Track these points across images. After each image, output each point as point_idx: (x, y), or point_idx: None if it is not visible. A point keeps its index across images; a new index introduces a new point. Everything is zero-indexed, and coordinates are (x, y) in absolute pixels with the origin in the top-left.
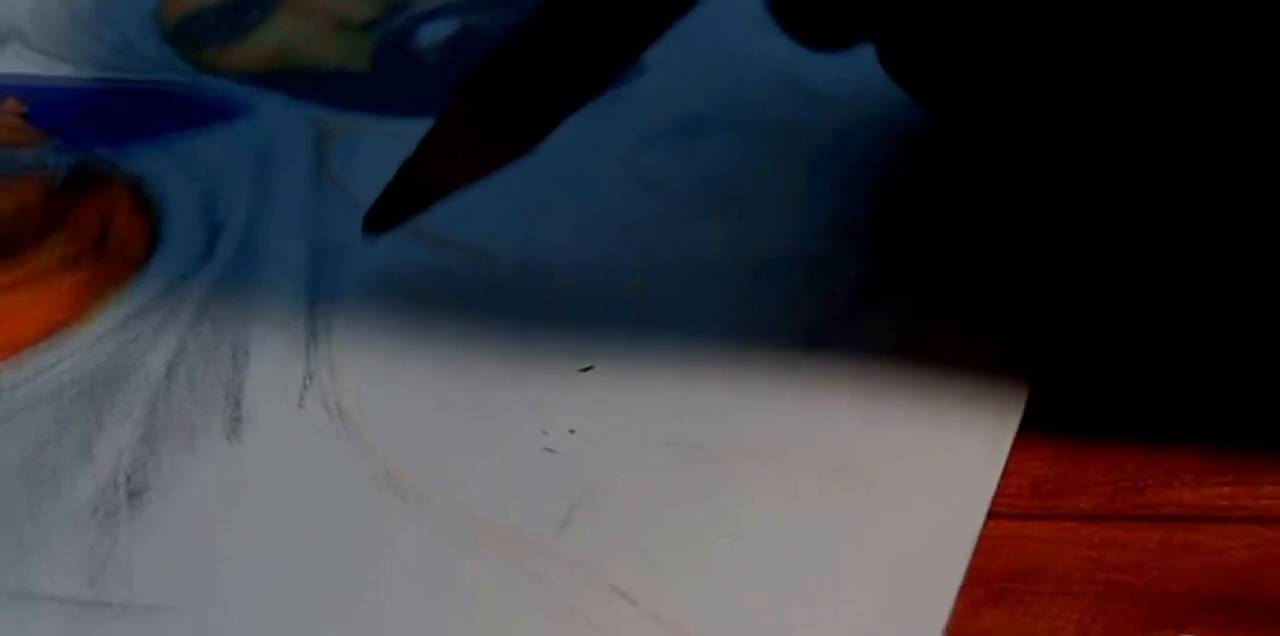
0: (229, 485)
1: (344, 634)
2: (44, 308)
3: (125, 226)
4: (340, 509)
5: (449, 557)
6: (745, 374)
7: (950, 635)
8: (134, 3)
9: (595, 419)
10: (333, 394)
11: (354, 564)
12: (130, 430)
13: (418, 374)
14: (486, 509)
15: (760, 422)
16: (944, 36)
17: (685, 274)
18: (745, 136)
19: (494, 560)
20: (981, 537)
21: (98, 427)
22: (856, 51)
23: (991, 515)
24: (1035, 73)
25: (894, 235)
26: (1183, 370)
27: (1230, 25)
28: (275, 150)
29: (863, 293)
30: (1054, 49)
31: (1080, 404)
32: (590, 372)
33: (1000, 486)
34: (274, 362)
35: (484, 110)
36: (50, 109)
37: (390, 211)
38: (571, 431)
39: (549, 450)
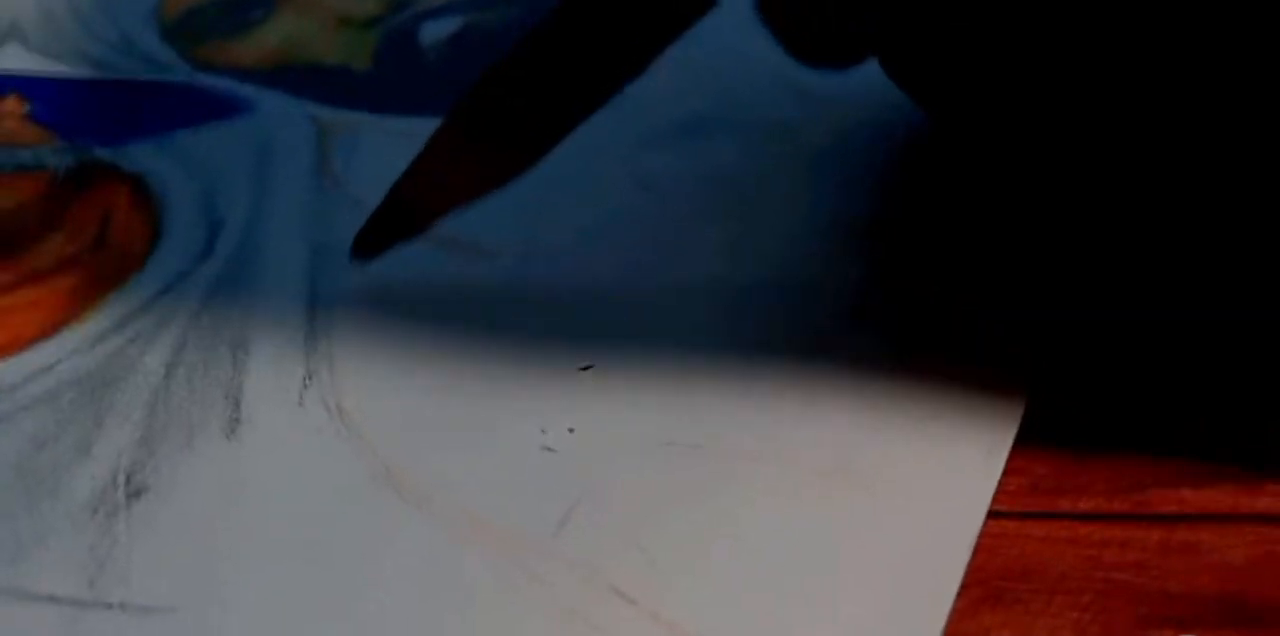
0: (228, 485)
1: (343, 633)
2: (43, 307)
3: (125, 224)
4: (340, 508)
5: (448, 557)
6: (746, 374)
7: (950, 634)
8: (135, 0)
9: (595, 418)
10: (332, 393)
11: (353, 563)
12: (130, 430)
13: (417, 373)
14: (486, 508)
15: (761, 423)
16: (944, 38)
17: (686, 274)
18: (747, 138)
19: (493, 559)
20: (981, 537)
21: (97, 427)
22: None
23: (991, 514)
24: (1035, 74)
25: (895, 237)
26: (1183, 370)
27: (1230, 26)
28: (276, 148)
29: (864, 294)
30: (1054, 50)
31: (1080, 403)
32: (590, 372)
33: (1000, 485)
34: (274, 362)
35: (478, 132)
36: (51, 106)
37: (379, 236)
38: (571, 430)
39: (548, 449)
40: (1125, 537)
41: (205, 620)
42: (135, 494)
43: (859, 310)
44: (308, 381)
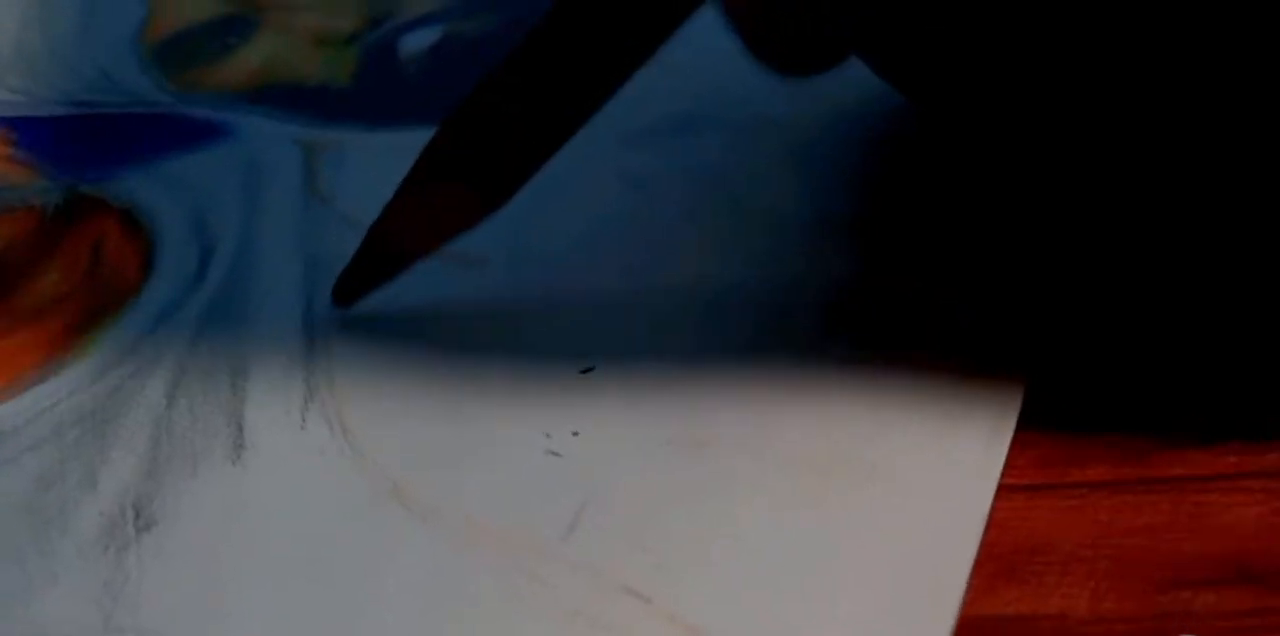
0: (236, 510)
1: None
2: (42, 346)
3: (116, 256)
4: (348, 526)
5: (458, 568)
6: (744, 371)
7: (966, 613)
8: (114, 30)
9: (598, 420)
10: (334, 411)
11: (363, 580)
12: (135, 463)
13: (418, 385)
14: (494, 516)
15: (762, 418)
16: (928, 31)
17: (679, 273)
18: (734, 135)
19: (504, 567)
20: (991, 513)
21: (103, 463)
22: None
23: (1000, 490)
24: (1025, 66)
25: (885, 232)
26: (1182, 333)
27: (1221, 25)
28: (263, 169)
29: (859, 286)
30: (1044, 42)
31: (1082, 374)
32: (591, 374)
33: (1006, 461)
34: (274, 384)
35: (453, 168)
36: (36, 141)
37: (359, 282)
38: (575, 433)
39: (553, 453)
40: (1135, 504)
41: None
42: (145, 526)
43: (856, 302)
44: (309, 401)
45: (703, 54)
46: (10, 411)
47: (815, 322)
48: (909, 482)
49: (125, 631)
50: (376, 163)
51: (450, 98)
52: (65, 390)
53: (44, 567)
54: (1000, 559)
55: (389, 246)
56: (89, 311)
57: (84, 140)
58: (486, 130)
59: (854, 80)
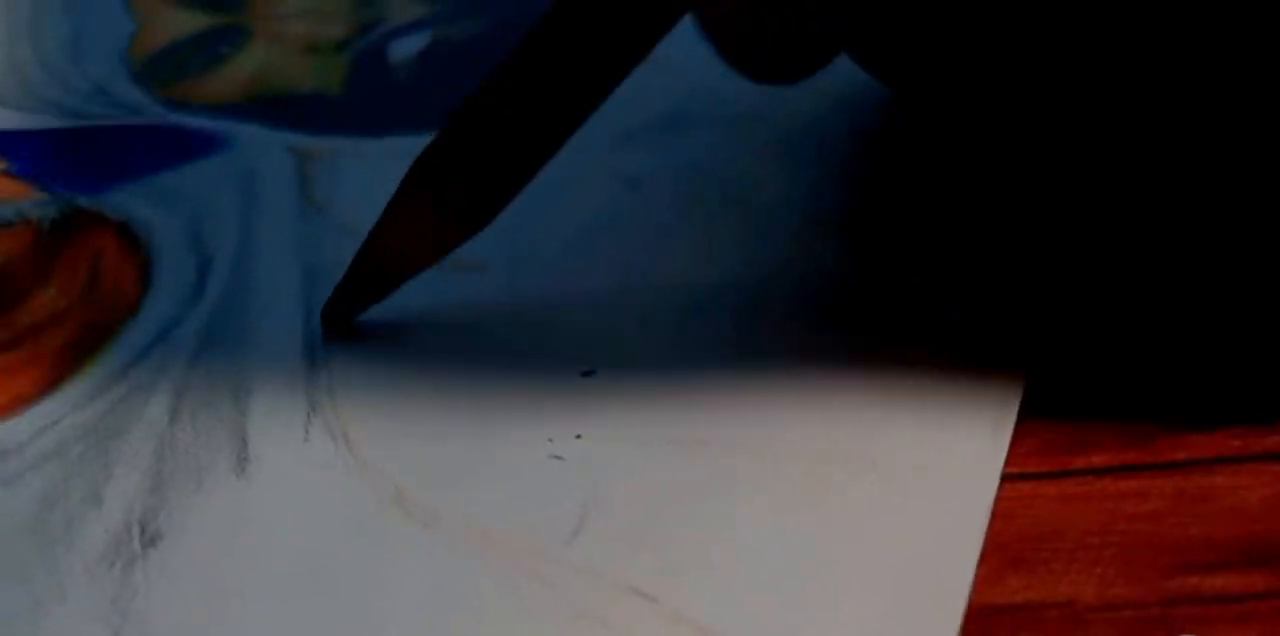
0: (241, 524)
1: None
2: (42, 363)
3: (114, 272)
4: (354, 537)
5: (462, 574)
6: (745, 369)
7: (974, 604)
8: (103, 45)
9: (601, 423)
10: (337, 422)
11: (370, 592)
12: (139, 479)
13: (420, 394)
14: (499, 521)
15: (764, 417)
16: (917, 27)
17: (677, 272)
18: (726, 131)
19: (510, 572)
20: (996, 502)
21: (106, 479)
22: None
23: (1004, 479)
24: (1014, 58)
25: (878, 228)
26: (1184, 324)
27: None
28: (257, 180)
29: (854, 282)
30: (1033, 34)
31: (1084, 362)
32: (592, 377)
33: (1010, 449)
34: (276, 397)
35: (444, 182)
36: (28, 159)
37: (348, 307)
38: (578, 437)
39: (557, 457)
40: (1140, 489)
41: None
42: (151, 542)
43: (848, 301)
44: (311, 414)
45: (692, 51)
46: (11, 429)
47: (812, 320)
48: (912, 477)
49: None
50: (370, 170)
51: (441, 102)
52: (67, 407)
53: (51, 585)
54: (1006, 548)
55: (382, 264)
56: (88, 328)
57: (78, 154)
58: (478, 142)
59: (844, 76)
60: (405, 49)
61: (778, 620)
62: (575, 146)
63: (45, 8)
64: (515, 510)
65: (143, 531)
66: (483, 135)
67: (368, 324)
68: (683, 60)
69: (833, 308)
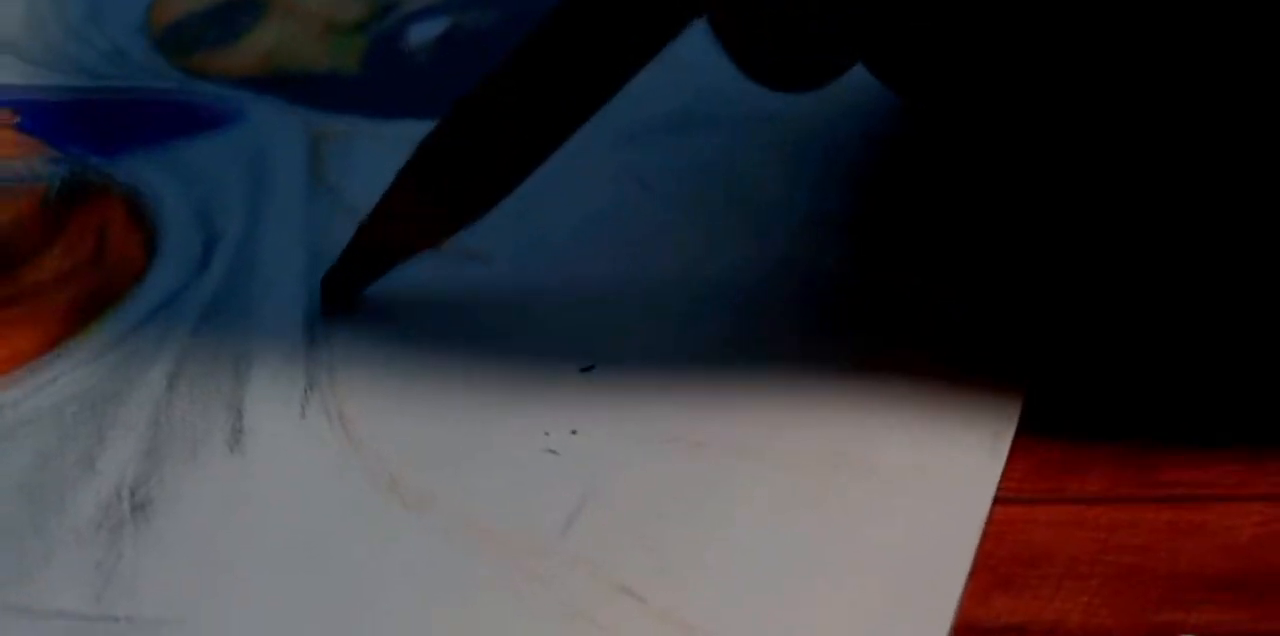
0: (232, 496)
1: None
2: (43, 323)
3: (121, 238)
4: (344, 516)
5: (454, 563)
6: (745, 369)
7: (960, 621)
8: (124, 11)
9: (597, 419)
10: (334, 401)
11: (358, 572)
12: (133, 444)
13: (418, 379)
14: (491, 512)
15: (762, 418)
16: (927, 33)
17: (682, 270)
18: (733, 131)
19: (500, 563)
20: (988, 523)
21: (100, 442)
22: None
23: (998, 501)
24: (1022, 64)
25: (887, 226)
26: (1185, 349)
27: (1220, 24)
28: (269, 156)
29: (860, 286)
30: (1040, 39)
31: (1083, 387)
32: (591, 373)
33: (1005, 472)
34: (275, 372)
35: (445, 169)
36: (42, 119)
37: (346, 280)
38: (574, 432)
39: (551, 451)
40: (1133, 520)
41: (213, 631)
42: (140, 507)
43: (856, 302)
44: (309, 391)
45: (702, 51)
46: (8, 385)
47: (813, 321)
48: (907, 487)
49: (116, 611)
50: (382, 153)
51: (456, 89)
52: (65, 367)
53: (38, 545)
54: (996, 569)
55: (379, 244)
56: (92, 292)
57: (93, 118)
58: (477, 133)
59: (855, 82)
60: (423, 33)
61: (764, 624)
62: (583, 143)
63: None
64: (508, 501)
65: (133, 496)
66: (483, 127)
67: (371, 307)
68: (692, 61)
69: (834, 308)
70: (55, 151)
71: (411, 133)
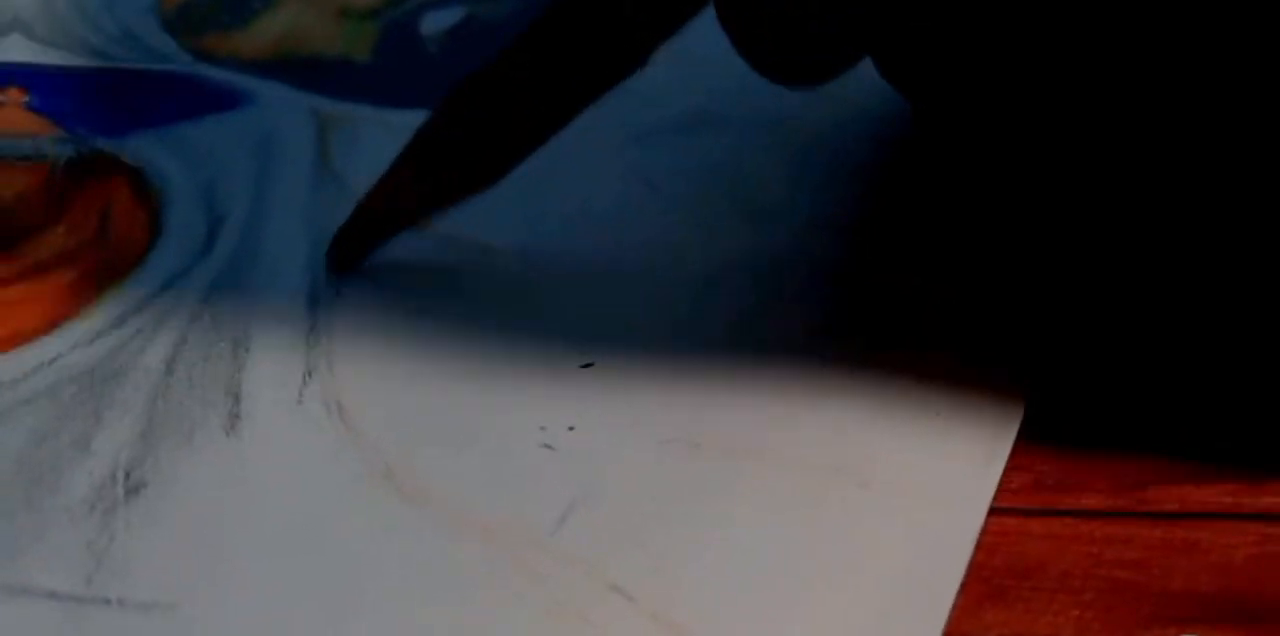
0: (228, 481)
1: (341, 630)
2: (44, 301)
3: (125, 218)
4: (338, 504)
5: (446, 554)
6: (745, 371)
7: (950, 631)
8: None
9: (594, 416)
10: (332, 390)
11: (351, 559)
12: (130, 426)
13: (417, 370)
14: (485, 505)
15: (760, 420)
16: (936, 35)
17: (685, 270)
18: (744, 132)
19: (492, 557)
20: (983, 534)
21: (96, 423)
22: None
23: (993, 512)
24: (1027, 66)
25: (893, 232)
26: (1185, 368)
27: (1221, 25)
28: (276, 141)
29: (862, 290)
30: (1044, 42)
31: (1082, 401)
32: (590, 369)
33: (1002, 483)
34: (274, 358)
35: (446, 147)
36: (52, 97)
37: (352, 244)
38: (570, 428)
39: (547, 447)
40: (1127, 535)
41: (204, 615)
42: (134, 490)
43: (858, 307)
44: (308, 378)
45: (711, 51)
46: (7, 365)
47: (817, 326)
48: (903, 494)
49: (107, 591)
50: (390, 141)
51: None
52: (65, 346)
53: (31, 523)
54: (989, 580)
55: (385, 207)
56: (95, 272)
57: (102, 96)
58: (483, 111)
59: (865, 84)
60: (437, 23)
61: (753, 627)
62: (591, 143)
63: None
64: (503, 496)
65: (127, 478)
66: (491, 104)
67: (371, 297)
68: (700, 63)
69: (836, 311)
70: (63, 130)
71: (419, 122)
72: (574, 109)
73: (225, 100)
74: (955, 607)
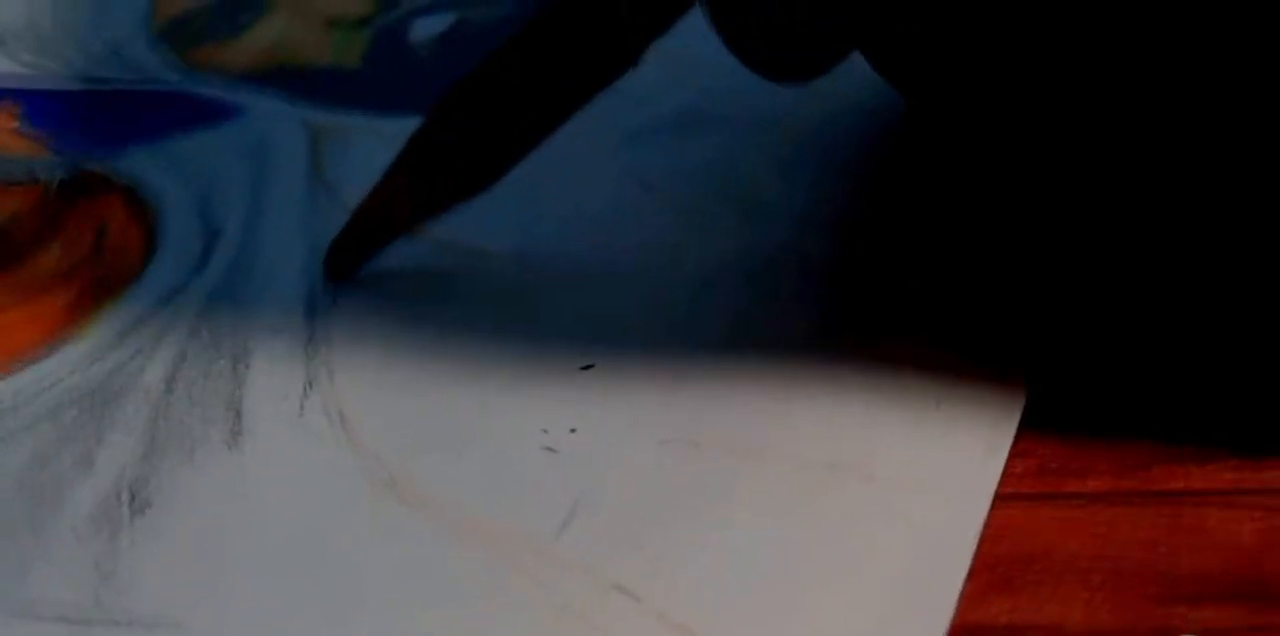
0: (231, 496)
1: None
2: (42, 322)
3: (121, 235)
4: (342, 515)
5: (451, 560)
6: (744, 370)
7: (959, 621)
8: (127, 4)
9: (596, 418)
10: (333, 400)
11: (356, 570)
12: (132, 445)
13: (417, 377)
14: (488, 510)
15: (761, 419)
16: (928, 29)
17: (684, 270)
18: (737, 131)
19: (496, 561)
20: (988, 521)
21: (99, 443)
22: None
23: (998, 499)
24: (1022, 61)
25: (888, 227)
26: (1184, 350)
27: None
28: (270, 152)
29: (860, 286)
30: (1041, 36)
31: (1084, 386)
32: (590, 371)
33: (1006, 470)
34: (274, 371)
35: (440, 152)
36: (43, 115)
37: (349, 251)
38: (572, 430)
39: (550, 449)
40: (1134, 517)
41: (211, 631)
42: (139, 508)
43: (856, 303)
44: (308, 389)
45: (703, 50)
46: (8, 389)
47: (814, 323)
48: (906, 487)
49: (115, 611)
50: (383, 151)
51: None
52: (64, 370)
53: (37, 546)
54: (995, 568)
55: (380, 214)
56: (91, 290)
57: (92, 116)
58: (475, 116)
59: (858, 80)
60: (427, 29)
61: (759, 624)
62: (586, 145)
63: None
64: (505, 500)
65: (132, 498)
66: (483, 109)
67: (370, 305)
68: (693, 63)
69: (833, 309)
70: (56, 145)
71: (411, 129)
72: (567, 110)
73: (216, 113)
74: (962, 597)
